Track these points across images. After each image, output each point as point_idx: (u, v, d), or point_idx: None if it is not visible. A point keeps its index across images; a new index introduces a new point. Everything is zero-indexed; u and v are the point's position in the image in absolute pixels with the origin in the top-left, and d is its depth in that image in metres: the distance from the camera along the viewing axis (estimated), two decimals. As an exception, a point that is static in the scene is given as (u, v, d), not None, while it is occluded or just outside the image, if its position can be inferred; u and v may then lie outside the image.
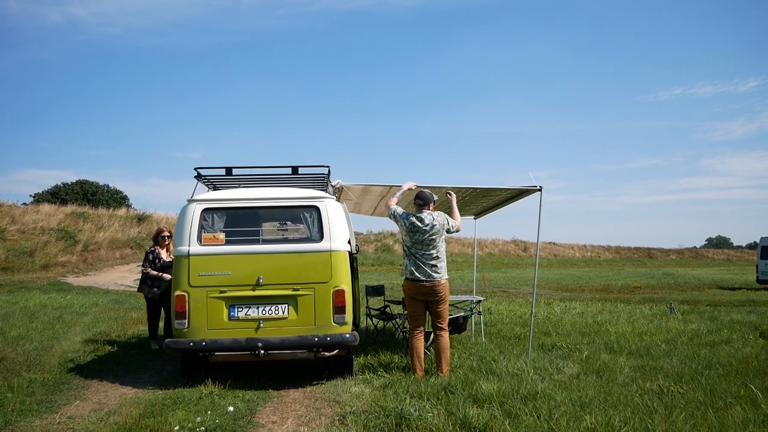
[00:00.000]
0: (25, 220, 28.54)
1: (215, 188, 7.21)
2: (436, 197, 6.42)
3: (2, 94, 75.36)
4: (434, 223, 6.10)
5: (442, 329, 6.11)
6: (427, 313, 6.23)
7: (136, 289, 16.17)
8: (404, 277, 6.19)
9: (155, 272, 7.83)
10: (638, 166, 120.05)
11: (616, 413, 4.41)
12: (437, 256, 6.07)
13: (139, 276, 8.21)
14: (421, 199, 6.26)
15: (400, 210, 6.27)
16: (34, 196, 44.15)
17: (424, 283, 6.02)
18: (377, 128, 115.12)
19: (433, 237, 6.06)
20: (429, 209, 6.22)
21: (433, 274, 6.02)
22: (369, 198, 8.19)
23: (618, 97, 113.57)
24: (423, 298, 6.09)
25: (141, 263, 8.19)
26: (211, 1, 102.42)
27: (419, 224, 6.07)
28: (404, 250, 6.22)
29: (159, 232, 8.13)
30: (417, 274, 6.04)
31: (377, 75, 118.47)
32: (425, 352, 6.36)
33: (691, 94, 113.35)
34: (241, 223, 6.11)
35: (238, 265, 5.84)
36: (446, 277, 6.13)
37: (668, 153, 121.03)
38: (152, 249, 8.01)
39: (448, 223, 6.22)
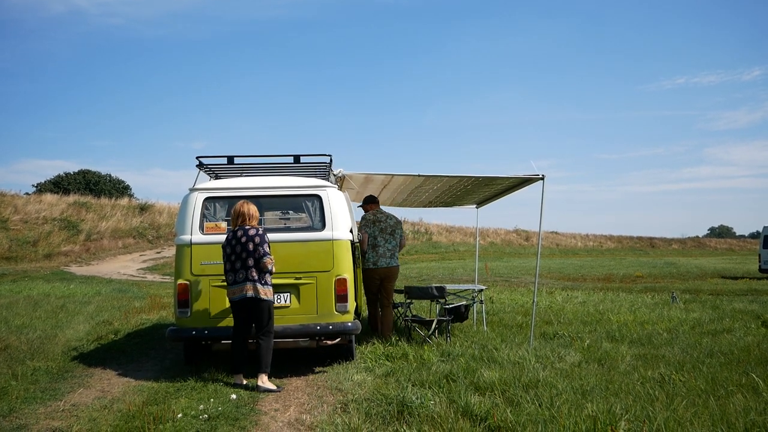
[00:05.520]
0: (28, 210, 28.60)
1: (217, 177, 7.20)
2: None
3: (4, 85, 75.33)
4: (391, 217, 7.60)
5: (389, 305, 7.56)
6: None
7: (139, 278, 16.14)
8: (368, 267, 7.44)
9: None
10: (641, 155, 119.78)
11: (618, 401, 4.41)
12: (395, 245, 7.51)
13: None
14: (371, 202, 7.68)
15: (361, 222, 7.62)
16: (36, 186, 44.20)
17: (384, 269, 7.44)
18: (380, 118, 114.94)
19: (394, 229, 7.52)
20: (378, 206, 7.70)
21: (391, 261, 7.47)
22: (371, 187, 8.17)
23: (621, 86, 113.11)
24: (379, 279, 7.50)
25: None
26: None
27: (380, 215, 7.55)
28: (369, 243, 7.44)
29: None
30: (379, 262, 7.44)
31: (380, 65, 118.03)
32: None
33: (695, 83, 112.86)
34: None
35: None
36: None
37: (671, 142, 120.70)
38: None
39: (402, 230, 7.64)
